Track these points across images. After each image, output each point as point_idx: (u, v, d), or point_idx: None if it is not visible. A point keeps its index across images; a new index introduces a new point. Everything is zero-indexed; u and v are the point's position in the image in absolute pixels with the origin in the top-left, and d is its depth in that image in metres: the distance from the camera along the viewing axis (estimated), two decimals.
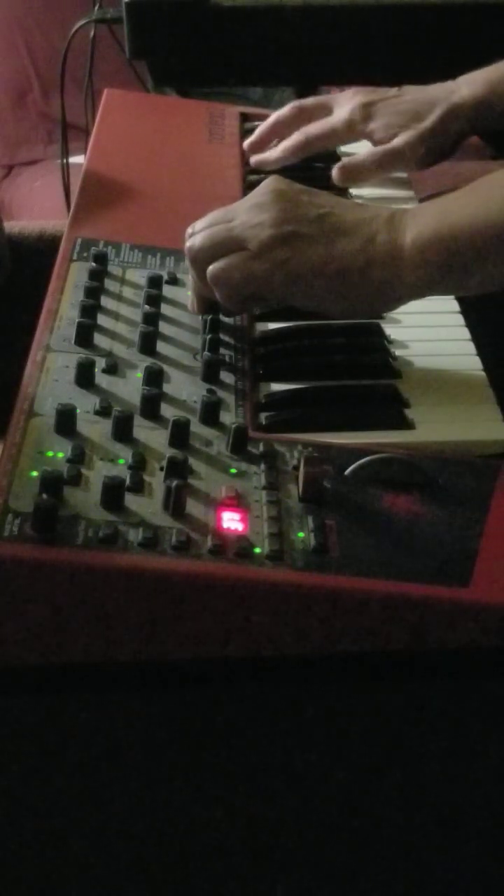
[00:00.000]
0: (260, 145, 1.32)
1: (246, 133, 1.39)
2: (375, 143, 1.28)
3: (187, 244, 0.98)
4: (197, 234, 0.98)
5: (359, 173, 1.26)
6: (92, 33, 1.80)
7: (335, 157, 1.34)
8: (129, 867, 0.80)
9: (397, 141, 1.24)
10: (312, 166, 1.31)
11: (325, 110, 1.29)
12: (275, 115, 1.32)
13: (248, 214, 0.96)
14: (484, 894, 0.83)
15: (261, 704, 0.77)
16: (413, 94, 1.27)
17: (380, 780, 0.79)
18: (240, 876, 0.81)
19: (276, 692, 0.76)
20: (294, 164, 1.29)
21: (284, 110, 1.31)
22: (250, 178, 1.29)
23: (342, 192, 1.27)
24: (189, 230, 0.99)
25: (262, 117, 1.41)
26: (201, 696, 0.76)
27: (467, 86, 1.25)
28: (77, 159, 1.85)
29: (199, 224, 0.99)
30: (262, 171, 1.29)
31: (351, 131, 1.28)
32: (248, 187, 1.25)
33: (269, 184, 0.98)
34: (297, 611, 0.73)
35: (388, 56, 1.59)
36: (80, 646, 0.73)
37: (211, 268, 0.95)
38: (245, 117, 1.43)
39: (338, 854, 0.81)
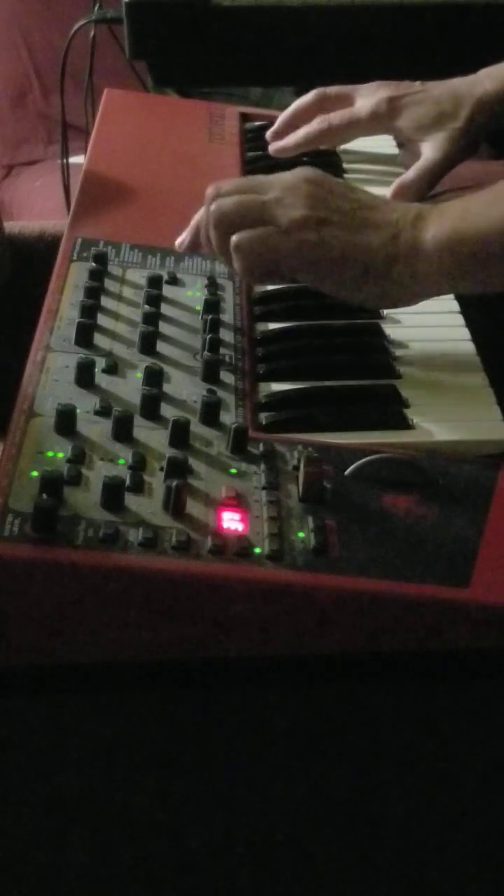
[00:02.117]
0: (281, 133, 1.33)
1: (246, 133, 1.39)
2: (403, 140, 1.30)
3: (213, 206, 0.98)
4: (225, 197, 0.98)
5: (414, 192, 1.25)
6: (92, 33, 1.80)
7: (334, 153, 1.35)
8: (129, 867, 0.80)
9: (434, 152, 1.24)
10: (320, 155, 1.33)
11: (348, 100, 1.30)
12: (297, 102, 1.33)
13: (281, 192, 0.96)
14: (484, 894, 0.83)
15: (260, 704, 0.77)
16: (438, 90, 1.27)
17: (380, 780, 0.79)
18: (240, 876, 0.81)
19: (275, 692, 0.76)
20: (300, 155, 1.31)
21: (307, 96, 1.32)
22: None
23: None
24: (212, 190, 1.00)
25: (262, 117, 1.42)
26: (201, 696, 0.76)
27: (490, 80, 1.25)
28: (77, 159, 1.85)
29: (226, 187, 0.99)
30: (261, 172, 1.30)
31: (375, 124, 1.28)
32: None
33: (304, 170, 0.99)
34: (297, 611, 0.73)
35: (388, 56, 1.59)
36: (80, 646, 0.73)
37: (237, 236, 0.96)
38: (245, 117, 1.43)
39: (338, 854, 0.81)
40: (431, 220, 0.94)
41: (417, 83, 1.28)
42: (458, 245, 0.92)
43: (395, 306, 0.99)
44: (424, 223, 0.94)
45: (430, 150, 1.25)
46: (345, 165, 1.34)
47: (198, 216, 1.02)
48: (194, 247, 1.04)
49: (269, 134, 1.34)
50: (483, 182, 1.35)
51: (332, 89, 1.32)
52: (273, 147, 1.32)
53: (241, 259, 0.96)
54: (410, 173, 1.25)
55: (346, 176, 1.31)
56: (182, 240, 1.05)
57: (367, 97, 1.28)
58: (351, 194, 0.98)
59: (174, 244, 1.07)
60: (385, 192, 1.27)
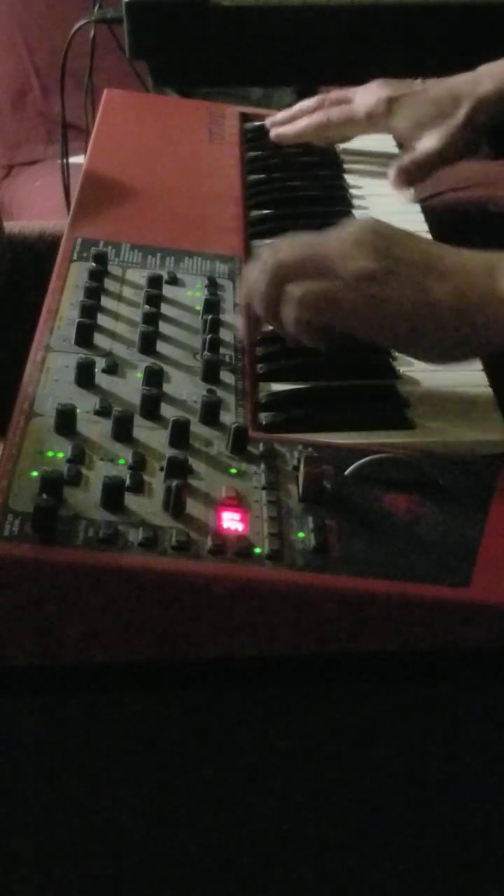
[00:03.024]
0: (281, 124, 1.35)
1: (246, 133, 1.39)
2: (400, 139, 1.31)
3: (271, 258, 0.92)
4: (282, 248, 0.93)
5: (407, 177, 1.26)
6: (92, 33, 1.80)
7: (334, 152, 1.35)
8: (129, 867, 0.80)
9: (433, 143, 1.25)
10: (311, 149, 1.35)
11: (349, 101, 1.31)
12: (299, 104, 1.35)
13: (343, 244, 0.91)
14: (484, 894, 0.83)
15: (260, 704, 0.77)
16: (437, 89, 1.27)
17: (380, 780, 0.79)
18: (240, 876, 0.81)
19: (276, 692, 0.76)
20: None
21: (309, 101, 1.34)
22: (250, 177, 1.29)
23: (339, 187, 1.28)
24: (267, 249, 0.94)
25: (263, 117, 1.42)
26: (201, 696, 0.76)
27: (490, 79, 1.26)
28: (77, 159, 1.85)
29: (282, 242, 0.94)
30: (261, 172, 1.30)
31: (372, 123, 1.30)
32: (249, 187, 1.26)
33: (366, 221, 0.94)
34: (296, 611, 0.73)
35: (388, 56, 1.59)
36: (80, 646, 0.73)
37: (295, 286, 0.90)
38: (245, 117, 1.43)
39: (338, 854, 0.81)
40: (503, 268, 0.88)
41: (417, 82, 1.29)
42: None
43: (466, 358, 0.93)
44: (497, 272, 0.88)
45: (427, 141, 1.26)
46: (345, 166, 1.34)
47: (251, 274, 0.95)
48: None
49: (269, 121, 1.36)
50: (483, 182, 1.36)
51: (334, 93, 1.33)
52: (273, 131, 1.34)
53: (298, 311, 0.90)
54: (405, 158, 1.26)
55: (346, 176, 1.31)
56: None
57: (367, 96, 1.29)
58: (416, 244, 0.92)
59: (175, 243, 1.07)
60: (385, 191, 1.28)
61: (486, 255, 0.91)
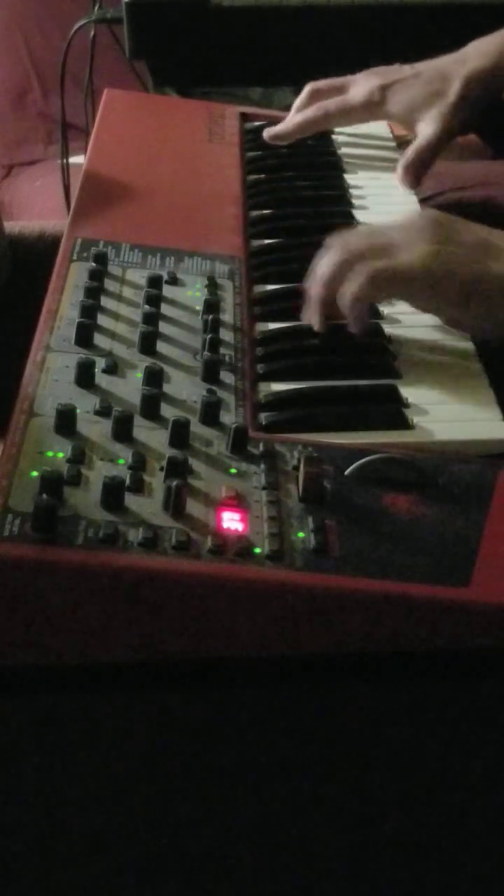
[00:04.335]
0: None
1: (246, 133, 1.39)
2: (398, 123, 1.33)
3: (340, 242, 0.98)
4: (350, 235, 1.00)
5: (416, 171, 1.29)
6: (92, 33, 1.80)
7: (329, 141, 1.36)
8: (129, 867, 0.80)
9: (429, 127, 1.27)
10: (307, 143, 1.36)
11: (341, 90, 1.33)
12: (294, 104, 1.36)
13: (406, 232, 0.98)
14: (484, 894, 0.83)
15: (260, 704, 0.77)
16: (427, 71, 1.30)
17: (380, 780, 0.79)
18: (240, 876, 0.81)
19: (275, 692, 0.76)
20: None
21: (301, 95, 1.35)
22: (250, 178, 1.29)
23: (339, 187, 1.28)
24: (336, 237, 1.00)
25: (262, 117, 1.42)
26: (201, 696, 0.76)
27: (478, 56, 1.28)
28: (77, 159, 1.85)
29: (349, 231, 1.02)
30: (261, 172, 1.30)
31: (368, 112, 1.32)
32: (249, 187, 1.26)
33: (427, 212, 1.02)
34: (296, 611, 0.73)
35: (388, 56, 1.59)
36: (80, 646, 0.73)
37: (363, 265, 0.95)
38: (245, 117, 1.43)
39: (338, 854, 0.81)
40: None
41: (407, 66, 1.30)
42: None
43: None
44: None
45: (425, 127, 1.28)
46: (345, 166, 1.34)
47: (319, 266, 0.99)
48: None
49: (266, 132, 1.36)
50: (483, 182, 1.36)
51: (324, 82, 1.35)
52: (268, 133, 1.35)
53: (367, 286, 0.95)
54: (410, 153, 1.28)
55: (346, 176, 1.31)
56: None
57: (360, 85, 1.31)
58: (473, 229, 0.99)
59: (175, 243, 1.07)
60: (385, 190, 1.28)
61: None
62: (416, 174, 1.28)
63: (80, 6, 1.95)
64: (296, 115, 1.34)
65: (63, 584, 0.71)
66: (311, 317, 0.99)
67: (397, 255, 0.96)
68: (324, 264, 0.98)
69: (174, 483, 0.76)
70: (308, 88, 1.35)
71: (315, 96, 1.34)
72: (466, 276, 0.95)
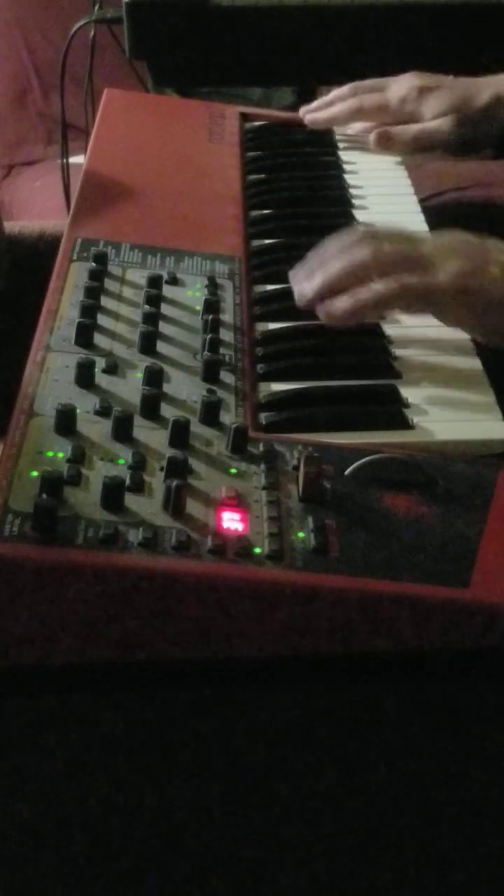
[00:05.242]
0: (315, 111, 1.39)
1: (246, 133, 1.39)
2: (427, 132, 1.34)
3: (372, 245, 0.98)
4: (384, 239, 0.99)
5: (393, 142, 1.32)
6: (92, 33, 1.79)
7: (329, 141, 1.37)
8: (129, 867, 0.80)
9: (437, 121, 1.29)
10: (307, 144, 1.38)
11: (381, 88, 1.35)
12: (335, 92, 1.39)
13: (439, 248, 0.98)
14: (484, 894, 0.83)
15: (260, 704, 0.77)
16: (465, 81, 1.32)
17: (380, 780, 0.79)
18: (240, 875, 0.81)
19: (275, 692, 0.76)
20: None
21: (343, 88, 1.38)
22: (250, 177, 1.29)
23: (339, 187, 1.28)
24: (366, 232, 1.01)
25: (262, 117, 1.42)
26: (201, 695, 0.76)
27: None
28: (77, 159, 1.85)
29: (381, 231, 1.01)
30: (261, 172, 1.30)
31: (403, 109, 1.33)
32: (249, 187, 1.26)
33: (457, 232, 1.01)
34: (297, 611, 0.73)
35: (388, 56, 1.59)
36: (80, 646, 0.73)
37: (396, 278, 0.95)
38: (245, 117, 1.43)
39: (337, 854, 0.81)
40: None
41: (450, 77, 1.32)
42: None
43: None
44: None
45: (442, 122, 1.30)
46: (345, 166, 1.34)
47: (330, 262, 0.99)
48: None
49: (303, 110, 1.39)
50: (483, 182, 1.36)
51: (368, 81, 1.37)
52: (307, 117, 1.38)
53: (396, 300, 0.96)
54: (397, 128, 1.31)
55: (346, 176, 1.31)
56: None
57: (400, 84, 1.34)
58: (500, 246, 0.99)
59: (175, 243, 1.07)
60: (384, 189, 1.28)
61: None
62: (393, 146, 1.31)
63: (80, 6, 1.95)
64: (333, 106, 1.36)
65: (63, 585, 0.71)
66: (307, 289, 0.98)
67: (431, 273, 0.96)
68: (350, 255, 0.97)
69: (174, 483, 0.76)
70: (350, 85, 1.38)
71: (355, 91, 1.36)
72: (498, 292, 0.95)
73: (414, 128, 1.31)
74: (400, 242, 0.99)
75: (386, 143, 1.32)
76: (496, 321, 0.97)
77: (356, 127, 1.38)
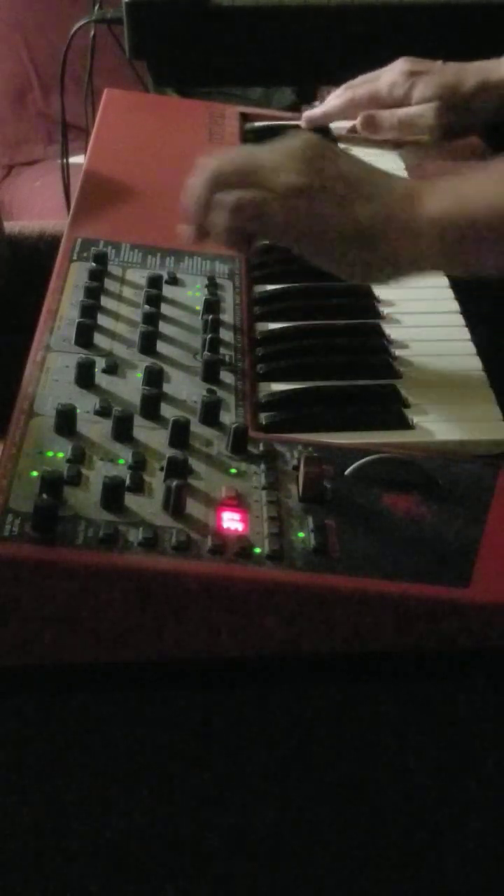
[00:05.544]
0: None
1: (246, 133, 1.39)
2: (416, 116, 1.34)
3: (207, 165, 0.97)
4: (220, 157, 0.98)
5: (378, 126, 1.32)
6: (92, 33, 1.80)
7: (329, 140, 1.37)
8: (129, 867, 0.80)
9: (422, 106, 1.29)
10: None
11: (373, 79, 1.36)
12: (332, 94, 1.39)
13: (276, 157, 0.96)
14: (484, 894, 0.83)
15: (260, 704, 0.77)
16: (453, 67, 1.31)
17: (379, 780, 0.79)
18: (240, 875, 0.81)
19: (275, 692, 0.76)
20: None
21: (338, 89, 1.39)
22: None
23: None
24: (207, 158, 0.99)
25: (262, 117, 1.42)
26: (201, 695, 0.76)
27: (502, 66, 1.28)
28: (77, 159, 1.85)
29: (221, 153, 1.00)
30: None
31: (393, 94, 1.33)
32: None
33: (302, 136, 0.99)
34: (297, 611, 0.73)
35: (389, 56, 1.59)
36: (80, 646, 0.73)
37: (226, 193, 0.94)
38: (245, 117, 1.43)
39: (337, 854, 0.81)
40: (425, 198, 0.92)
41: (439, 62, 1.32)
42: (450, 225, 0.91)
43: (380, 282, 0.99)
44: (419, 200, 0.92)
45: (415, 101, 1.30)
46: (339, 144, 1.34)
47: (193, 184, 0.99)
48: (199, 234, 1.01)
49: (305, 116, 1.40)
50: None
51: (359, 77, 1.37)
52: (303, 116, 1.39)
53: (228, 217, 0.95)
54: (383, 112, 1.32)
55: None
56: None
57: (391, 71, 1.34)
58: (348, 165, 0.97)
59: (175, 243, 1.06)
60: (377, 163, 1.29)
61: (412, 182, 0.98)
62: (378, 130, 1.31)
63: (80, 6, 1.95)
64: (327, 102, 1.37)
65: (63, 585, 0.71)
66: (187, 237, 0.99)
67: (263, 185, 0.94)
68: (194, 186, 0.96)
69: (174, 483, 0.76)
70: (345, 84, 1.38)
71: (349, 87, 1.37)
72: (331, 217, 0.93)
73: (399, 112, 1.31)
74: (236, 156, 0.99)
75: (371, 128, 1.32)
76: (332, 250, 0.94)
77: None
